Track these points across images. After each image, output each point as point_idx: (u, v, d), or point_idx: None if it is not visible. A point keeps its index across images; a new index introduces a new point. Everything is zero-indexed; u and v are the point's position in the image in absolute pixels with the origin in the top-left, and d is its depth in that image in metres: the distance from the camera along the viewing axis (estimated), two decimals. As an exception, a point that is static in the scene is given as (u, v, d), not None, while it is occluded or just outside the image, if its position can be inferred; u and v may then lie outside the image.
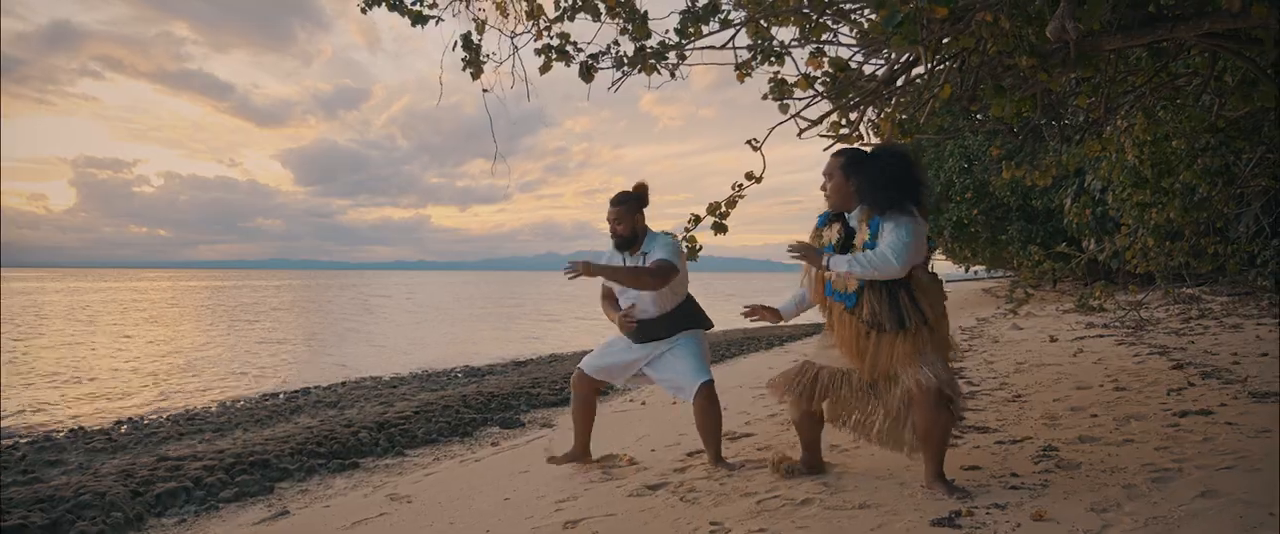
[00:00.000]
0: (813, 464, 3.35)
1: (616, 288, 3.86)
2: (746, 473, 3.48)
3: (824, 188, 3.06)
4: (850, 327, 2.96)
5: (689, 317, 3.85)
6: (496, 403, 9.29)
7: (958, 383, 2.95)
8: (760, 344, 16.14)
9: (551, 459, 4.18)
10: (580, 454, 4.09)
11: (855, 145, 3.26)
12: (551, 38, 3.60)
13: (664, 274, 3.62)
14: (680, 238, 3.86)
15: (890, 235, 2.79)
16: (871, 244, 2.87)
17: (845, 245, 3.00)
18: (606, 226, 3.88)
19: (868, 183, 2.89)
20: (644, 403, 7.44)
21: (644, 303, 3.76)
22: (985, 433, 3.92)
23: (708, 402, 3.65)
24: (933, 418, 2.83)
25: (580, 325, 27.16)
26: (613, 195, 3.83)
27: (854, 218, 3.00)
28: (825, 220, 3.15)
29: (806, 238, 3.18)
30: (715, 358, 14.18)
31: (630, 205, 3.78)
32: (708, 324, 3.91)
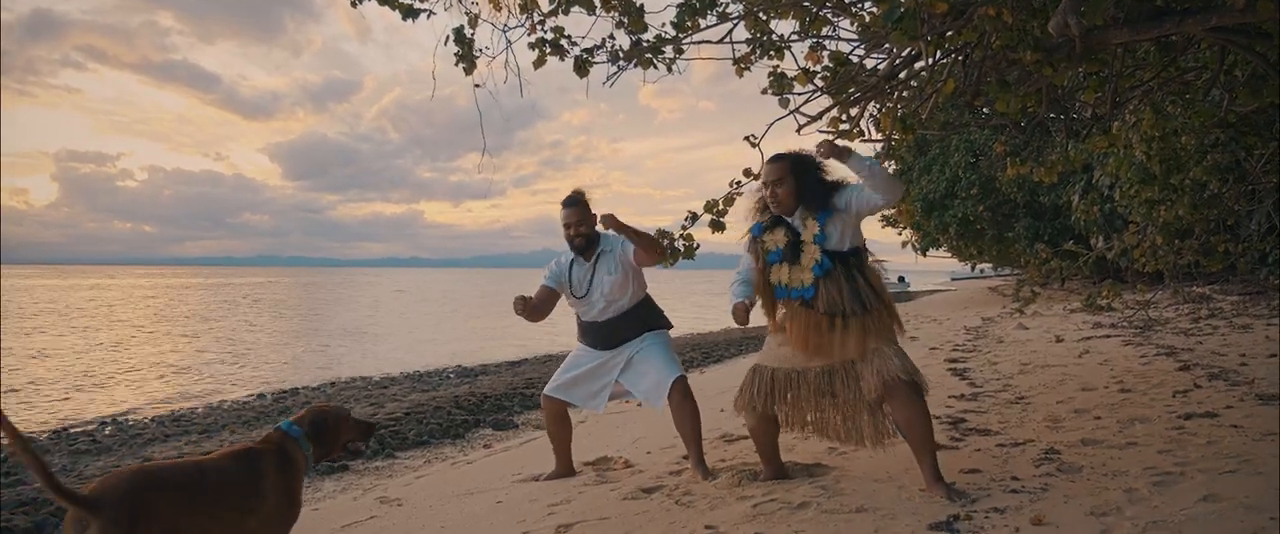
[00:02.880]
0: (775, 472, 3.40)
1: (572, 301, 3.91)
2: (741, 476, 3.50)
3: (773, 194, 3.15)
4: (807, 320, 3.08)
5: (654, 314, 3.92)
6: (489, 404, 9.32)
7: (920, 370, 3.06)
8: (760, 344, 16.18)
9: (535, 479, 4.19)
10: (564, 472, 4.10)
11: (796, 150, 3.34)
12: (545, 31, 3.62)
13: (660, 247, 3.76)
14: (677, 236, 3.89)
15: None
16: (821, 237, 3.07)
17: (795, 249, 3.12)
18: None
19: (814, 182, 3.12)
20: (639, 405, 7.47)
21: (616, 301, 3.81)
22: (987, 436, 3.95)
23: (683, 397, 3.69)
24: (912, 408, 2.93)
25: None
26: (564, 198, 3.85)
27: (795, 219, 3.17)
28: (763, 229, 3.26)
29: (744, 251, 3.34)
30: (713, 358, 14.22)
31: (586, 205, 3.83)
32: (669, 324, 4.00)
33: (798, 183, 3.14)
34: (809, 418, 3.22)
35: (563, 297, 3.95)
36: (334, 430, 2.53)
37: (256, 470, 2.25)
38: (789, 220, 3.19)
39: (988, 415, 4.49)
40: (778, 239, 3.18)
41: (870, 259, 3.19)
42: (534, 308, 3.82)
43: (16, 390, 11.75)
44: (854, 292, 3.04)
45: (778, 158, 3.22)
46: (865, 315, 3.03)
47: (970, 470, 3.25)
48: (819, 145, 3.06)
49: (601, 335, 3.87)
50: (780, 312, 3.22)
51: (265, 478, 2.25)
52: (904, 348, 3.10)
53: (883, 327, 3.05)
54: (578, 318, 3.99)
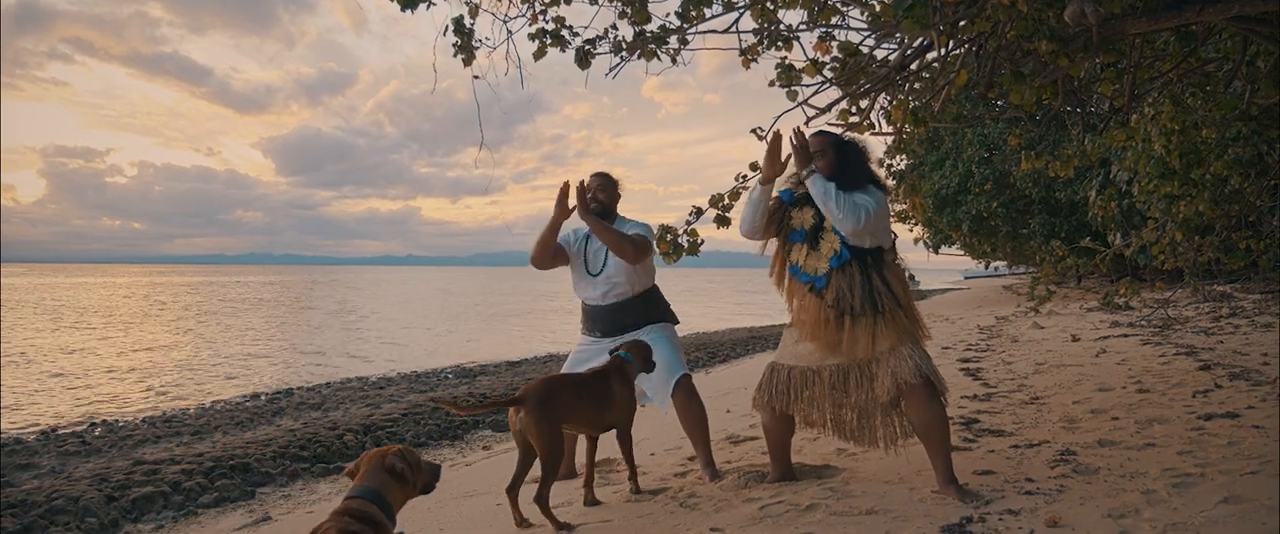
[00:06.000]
0: (783, 473, 3.41)
1: (579, 278, 3.94)
2: (747, 477, 3.51)
3: (819, 156, 3.13)
4: (816, 312, 3.07)
5: (659, 305, 3.95)
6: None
7: (939, 371, 3.06)
8: (767, 344, 16.19)
9: (536, 481, 4.22)
10: (566, 473, 4.12)
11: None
12: (546, 22, 3.62)
13: (643, 249, 3.75)
14: (682, 231, 3.89)
15: (863, 197, 3.01)
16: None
17: (817, 233, 3.12)
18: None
19: (850, 163, 3.12)
20: (643, 405, 7.48)
21: (618, 284, 3.81)
22: (1001, 437, 3.95)
23: (688, 396, 3.70)
24: (929, 412, 2.93)
25: (575, 321, 27.20)
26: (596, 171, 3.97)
27: None
28: (792, 198, 3.26)
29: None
30: (719, 358, 14.23)
31: (611, 179, 3.92)
32: (675, 318, 4.03)
33: (839, 158, 3.13)
34: (825, 417, 3.21)
35: (570, 267, 3.98)
36: (649, 357, 3.66)
37: (608, 381, 3.45)
38: None
39: (1002, 416, 4.50)
40: (805, 218, 3.18)
41: (894, 260, 3.16)
42: (546, 243, 3.85)
43: (2, 389, 11.80)
44: (867, 291, 3.02)
45: (822, 132, 3.23)
46: (876, 317, 3.01)
47: (984, 472, 3.26)
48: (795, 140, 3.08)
49: (604, 321, 3.88)
50: (794, 297, 3.22)
51: (613, 386, 3.44)
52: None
53: (898, 329, 3.02)
54: (582, 304, 4.01)
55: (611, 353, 3.68)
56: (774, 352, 3.40)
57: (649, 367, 3.65)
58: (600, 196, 3.86)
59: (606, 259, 3.85)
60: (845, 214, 2.96)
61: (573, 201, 3.73)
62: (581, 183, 3.74)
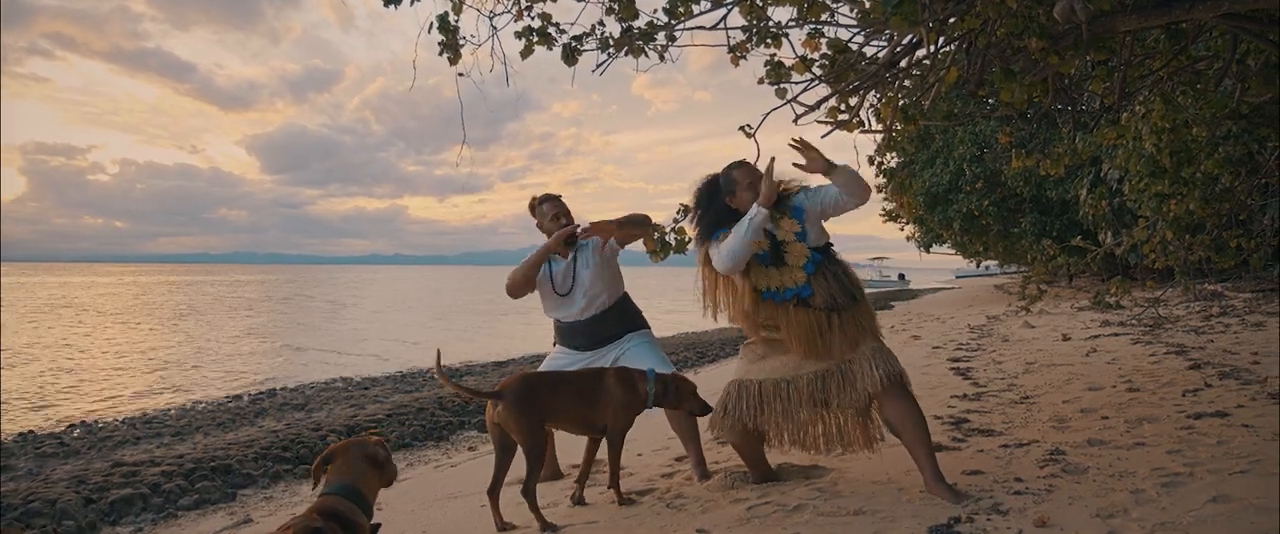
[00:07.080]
0: (763, 475, 3.44)
1: (550, 300, 3.89)
2: (734, 478, 3.52)
3: (751, 187, 3.18)
4: (806, 320, 3.09)
5: (633, 312, 3.95)
6: (475, 405, 9.32)
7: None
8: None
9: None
10: (551, 475, 4.12)
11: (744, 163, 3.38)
12: (532, 18, 3.61)
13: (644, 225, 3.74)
14: (669, 230, 3.89)
15: (810, 195, 3.18)
16: (803, 235, 3.13)
17: (776, 251, 3.16)
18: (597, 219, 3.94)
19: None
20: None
21: (597, 296, 3.81)
22: (990, 436, 3.97)
23: None
24: (905, 405, 2.98)
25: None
26: (540, 196, 3.94)
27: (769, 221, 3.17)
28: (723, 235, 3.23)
29: (697, 266, 3.40)
30: (708, 358, 14.24)
31: (562, 202, 3.90)
32: (646, 323, 4.03)
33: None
34: (799, 430, 3.23)
35: (538, 292, 3.90)
36: (675, 395, 3.48)
37: (603, 380, 3.37)
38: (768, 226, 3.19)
39: (991, 415, 4.52)
40: (759, 242, 3.16)
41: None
42: (529, 280, 3.82)
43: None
44: (841, 284, 3.12)
45: (743, 162, 3.31)
46: (856, 307, 3.11)
47: (973, 471, 3.27)
48: (807, 155, 3.11)
49: (584, 335, 3.84)
50: (775, 319, 3.19)
51: (607, 385, 3.35)
52: (901, 346, 3.13)
53: (870, 318, 3.14)
54: (556, 322, 3.96)
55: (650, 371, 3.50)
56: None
57: (659, 403, 3.44)
58: (564, 221, 3.86)
59: (575, 276, 3.83)
60: (864, 187, 3.11)
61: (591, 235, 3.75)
62: (577, 227, 3.75)
